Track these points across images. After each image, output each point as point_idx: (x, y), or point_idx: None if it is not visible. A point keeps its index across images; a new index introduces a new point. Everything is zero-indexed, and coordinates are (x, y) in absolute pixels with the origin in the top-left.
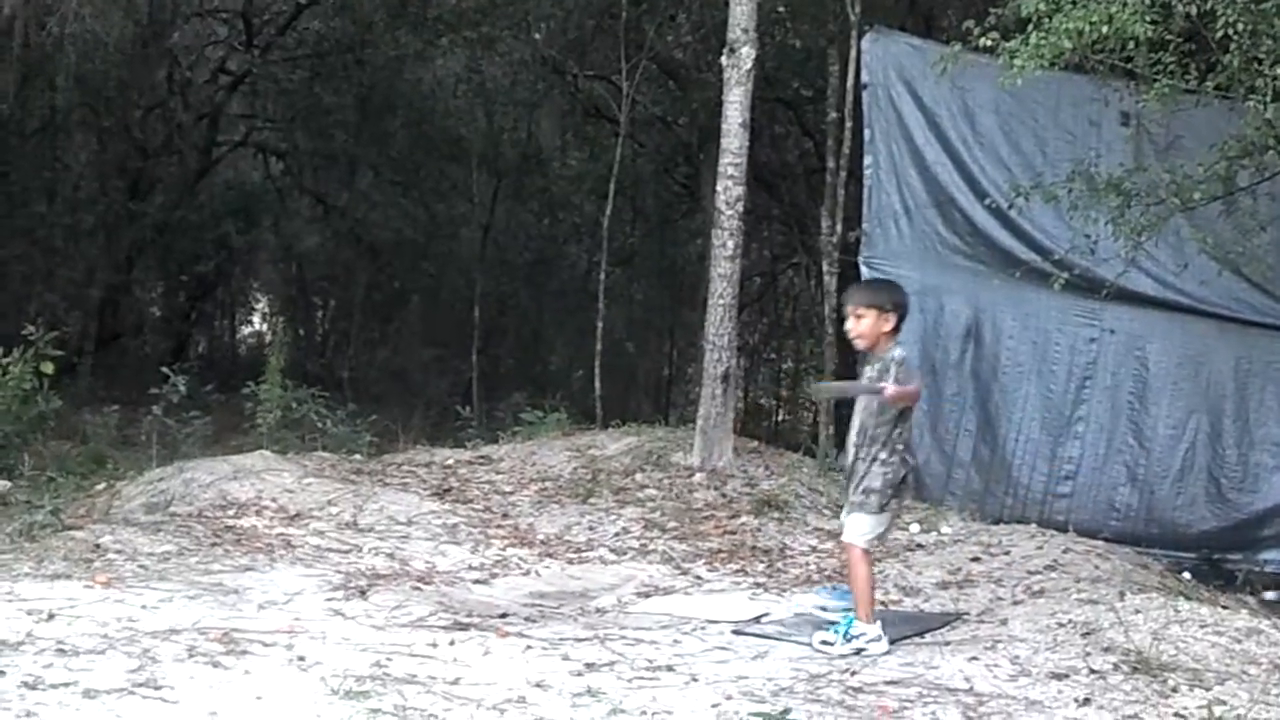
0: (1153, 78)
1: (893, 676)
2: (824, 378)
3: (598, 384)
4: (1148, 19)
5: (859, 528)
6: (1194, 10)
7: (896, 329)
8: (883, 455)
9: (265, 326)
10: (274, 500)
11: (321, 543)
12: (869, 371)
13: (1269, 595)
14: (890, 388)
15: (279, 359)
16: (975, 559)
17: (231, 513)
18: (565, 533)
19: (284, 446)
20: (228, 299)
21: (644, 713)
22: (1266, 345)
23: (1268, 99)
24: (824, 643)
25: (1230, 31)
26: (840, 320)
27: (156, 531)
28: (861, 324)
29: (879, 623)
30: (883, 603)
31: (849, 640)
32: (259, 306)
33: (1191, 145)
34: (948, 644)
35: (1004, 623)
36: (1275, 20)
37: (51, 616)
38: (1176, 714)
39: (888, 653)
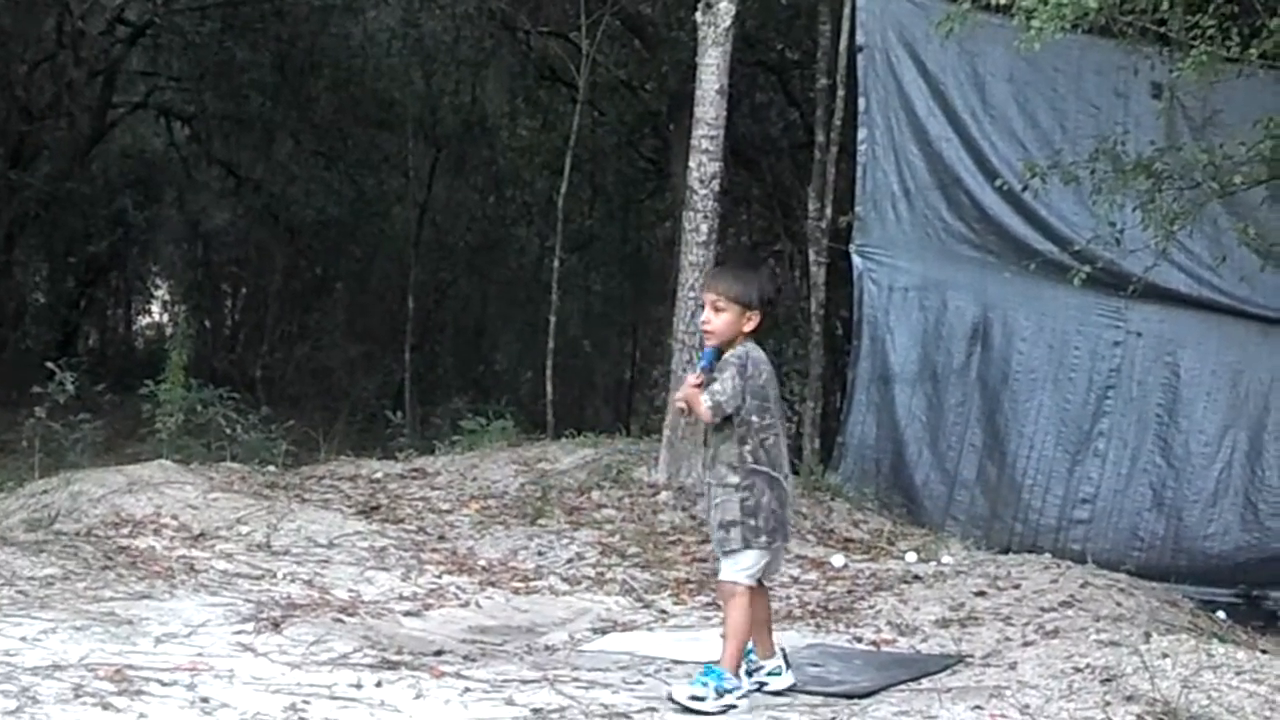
0: (1189, 44)
1: None
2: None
3: (549, 388)
4: None
5: (734, 567)
6: None
7: (757, 330)
8: (733, 478)
9: (166, 317)
10: (175, 517)
11: (229, 567)
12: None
13: None
14: (684, 391)
15: (181, 355)
16: (980, 593)
17: (126, 531)
18: (510, 558)
19: (187, 455)
20: (123, 284)
21: None
22: None
23: None
24: (694, 698)
25: None
26: (828, 316)
27: (39, 552)
28: (720, 318)
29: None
30: (874, 642)
31: (720, 695)
32: (159, 294)
33: (1232, 121)
34: (948, 690)
35: (1012, 667)
36: None
37: None
38: None
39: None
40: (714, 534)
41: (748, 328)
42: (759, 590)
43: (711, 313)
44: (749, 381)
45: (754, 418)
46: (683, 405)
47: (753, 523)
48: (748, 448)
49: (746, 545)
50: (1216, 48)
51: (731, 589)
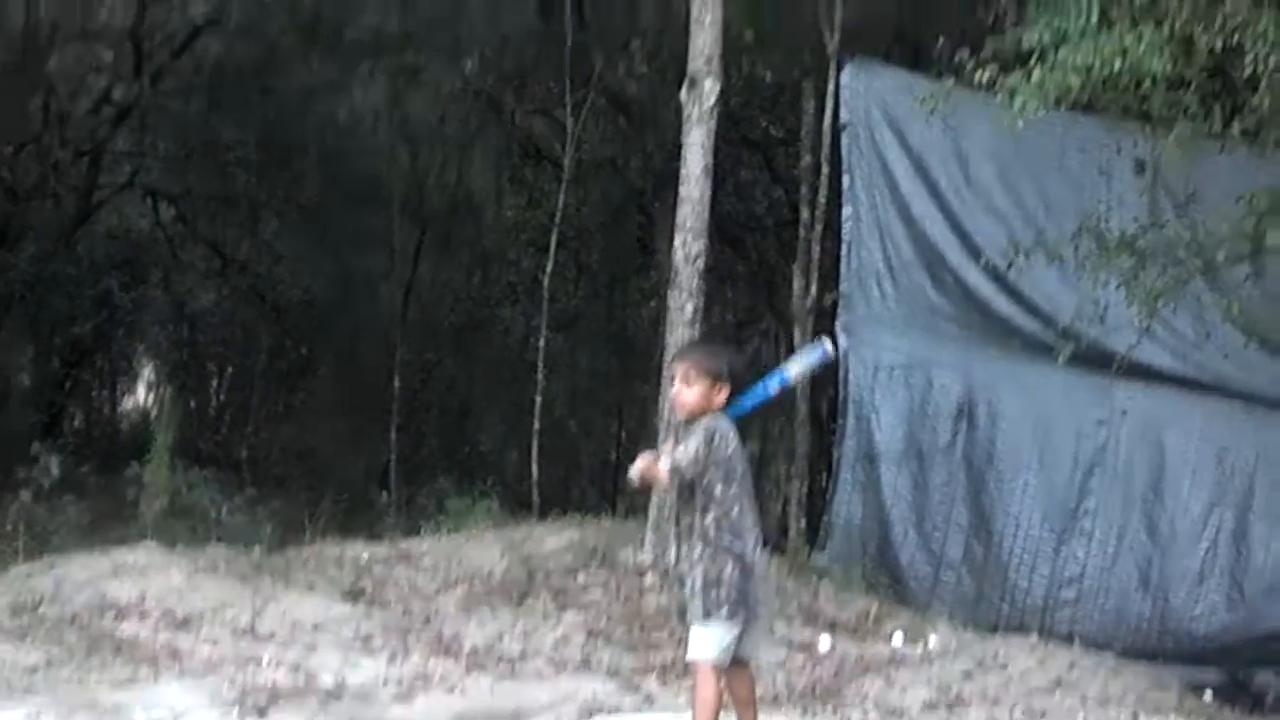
0: (1172, 121)
1: None
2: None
3: (535, 468)
4: (1166, 54)
5: (698, 640)
6: (1219, 45)
7: (727, 403)
8: (696, 550)
9: (151, 398)
10: (159, 602)
11: (214, 652)
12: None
13: None
14: (640, 463)
15: (167, 436)
16: (968, 675)
17: (110, 616)
18: (496, 642)
19: (172, 538)
20: (108, 365)
21: None
22: None
23: None
24: None
25: (1260, 69)
26: (814, 395)
27: (22, 638)
28: (690, 390)
29: None
30: None
31: None
32: (145, 374)
33: (1215, 198)
34: None
35: None
36: None
37: None
38: None
39: None
40: (689, 604)
41: (718, 400)
42: (739, 669)
43: (683, 385)
44: (715, 452)
45: (718, 489)
46: (634, 478)
47: (714, 594)
48: (710, 518)
49: (708, 616)
50: (1199, 125)
51: (695, 664)
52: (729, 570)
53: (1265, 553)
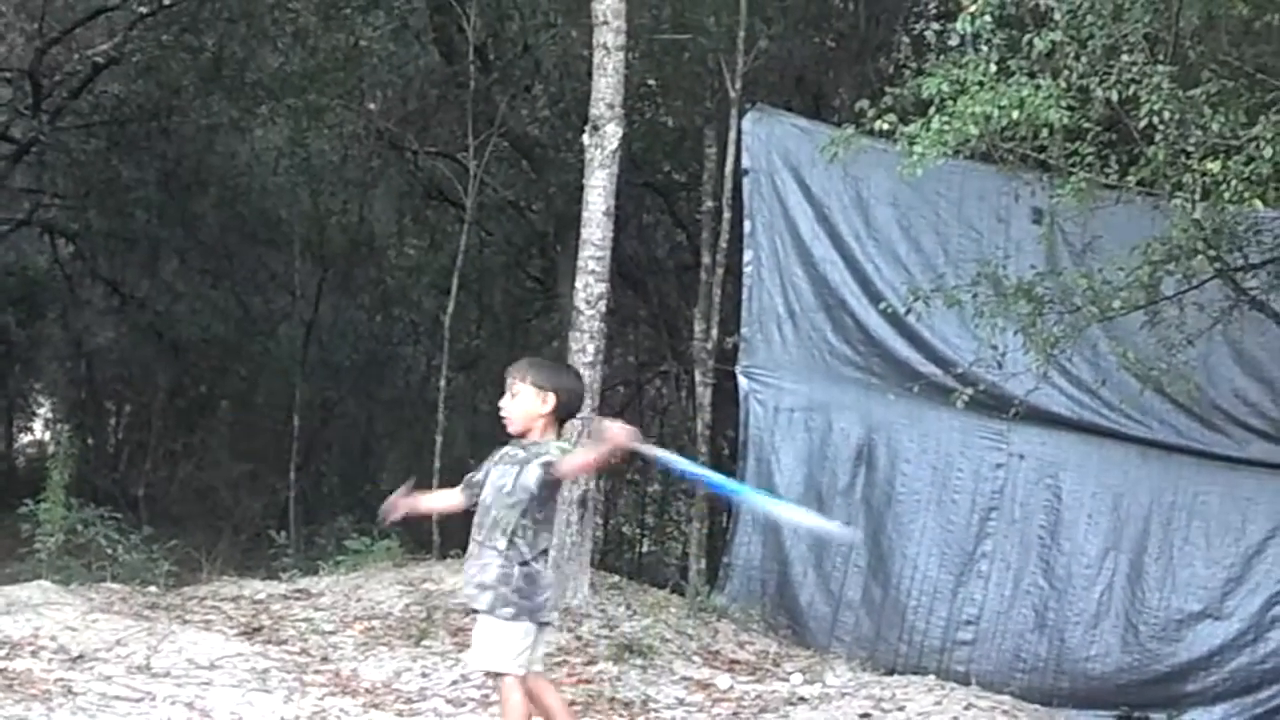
0: (1069, 170)
1: None
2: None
3: None
4: (1064, 105)
5: (492, 652)
6: (1115, 96)
7: (559, 420)
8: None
9: (48, 435)
10: (53, 639)
11: (108, 689)
12: (506, 466)
13: None
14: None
15: (62, 473)
16: (865, 715)
17: (2, 654)
18: (394, 680)
19: (67, 576)
20: (4, 402)
21: None
22: (1193, 475)
23: (1196, 197)
24: None
25: (1155, 121)
26: (714, 437)
27: None
28: (515, 401)
29: None
30: None
31: None
32: (41, 412)
33: (1111, 247)
34: None
35: None
36: (1205, 109)
37: None
38: None
39: None
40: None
41: (545, 408)
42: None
43: (509, 397)
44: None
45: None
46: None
47: (499, 593)
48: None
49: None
50: (1095, 175)
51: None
52: (515, 575)
53: (1159, 595)
